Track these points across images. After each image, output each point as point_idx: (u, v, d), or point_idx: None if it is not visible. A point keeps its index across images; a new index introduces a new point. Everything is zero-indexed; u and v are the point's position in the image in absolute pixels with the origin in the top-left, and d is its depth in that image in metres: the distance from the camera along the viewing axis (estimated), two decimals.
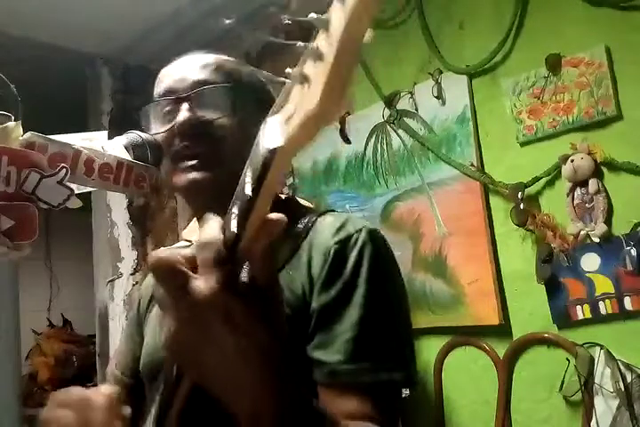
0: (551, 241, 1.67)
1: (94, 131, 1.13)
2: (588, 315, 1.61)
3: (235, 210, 0.46)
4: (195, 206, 0.91)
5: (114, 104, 2.76)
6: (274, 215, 0.46)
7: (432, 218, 1.95)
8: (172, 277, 0.47)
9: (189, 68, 0.87)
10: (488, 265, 1.79)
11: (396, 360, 0.75)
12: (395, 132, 2.08)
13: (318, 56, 0.39)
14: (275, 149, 0.41)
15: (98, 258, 2.75)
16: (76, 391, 0.72)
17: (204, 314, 0.46)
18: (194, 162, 0.82)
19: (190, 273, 0.47)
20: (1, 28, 2.35)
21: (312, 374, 0.72)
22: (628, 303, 1.55)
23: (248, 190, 0.44)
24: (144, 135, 0.94)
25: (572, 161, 1.63)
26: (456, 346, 1.89)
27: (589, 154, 1.61)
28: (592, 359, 1.56)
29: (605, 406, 1.52)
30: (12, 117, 0.95)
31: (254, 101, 0.86)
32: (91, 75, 2.82)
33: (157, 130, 0.88)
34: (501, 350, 1.77)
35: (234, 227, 0.46)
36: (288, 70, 0.43)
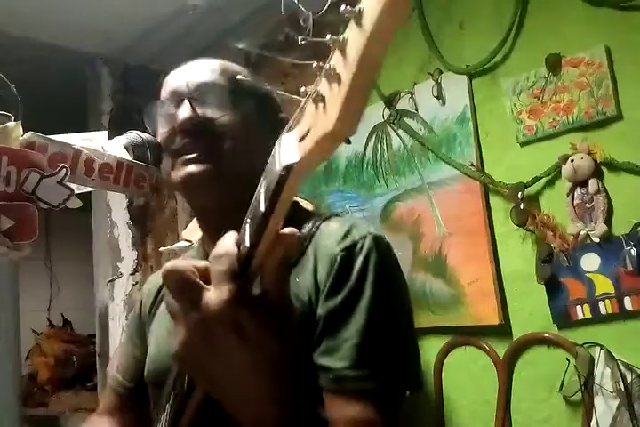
0: (551, 241, 1.67)
1: (94, 131, 1.13)
2: (588, 315, 1.61)
3: (249, 224, 0.47)
4: (193, 203, 0.91)
5: (114, 104, 2.76)
6: (287, 230, 0.47)
7: (432, 218, 1.95)
8: (185, 289, 0.48)
9: (195, 71, 0.88)
10: (488, 265, 1.79)
11: (402, 366, 0.75)
12: (395, 132, 2.08)
13: (334, 77, 0.39)
14: (291, 166, 0.42)
15: (98, 258, 2.75)
16: None
17: (215, 327, 0.46)
18: (192, 155, 0.83)
19: (203, 285, 0.48)
20: (1, 28, 2.35)
21: (318, 379, 0.73)
22: (627, 303, 1.55)
23: (262, 207, 0.45)
24: (144, 135, 0.94)
25: (572, 161, 1.63)
26: (456, 346, 1.89)
27: (589, 154, 1.61)
28: (592, 359, 1.56)
29: (605, 406, 1.52)
30: (12, 117, 0.95)
31: (256, 103, 0.87)
32: (91, 75, 2.82)
33: (160, 130, 0.88)
34: (501, 350, 1.77)
35: (248, 241, 0.46)
36: (302, 88, 0.44)
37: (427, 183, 1.97)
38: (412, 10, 2.05)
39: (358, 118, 0.39)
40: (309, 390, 0.60)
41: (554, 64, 1.69)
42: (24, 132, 0.93)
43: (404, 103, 2.04)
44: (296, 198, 0.96)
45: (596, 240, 1.60)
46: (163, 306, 0.93)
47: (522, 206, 1.72)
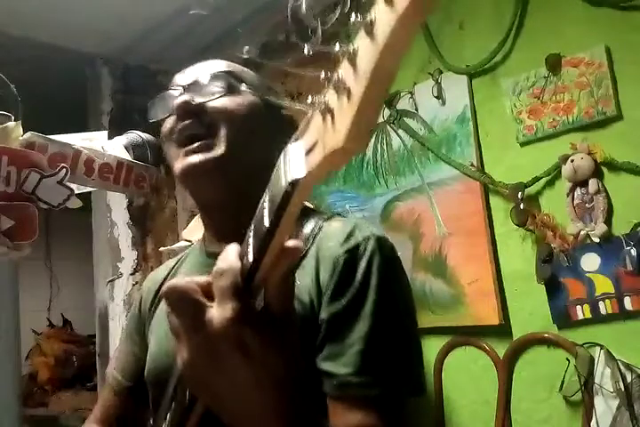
0: (551, 241, 1.67)
1: (94, 131, 1.13)
2: (588, 315, 1.61)
3: (252, 238, 0.46)
4: (196, 196, 0.90)
5: (114, 104, 2.76)
6: (292, 243, 0.46)
7: (432, 218, 1.95)
8: (186, 307, 0.47)
9: (198, 68, 0.89)
10: (488, 265, 1.79)
11: (406, 371, 0.75)
12: (395, 132, 2.08)
13: (343, 89, 0.37)
14: (297, 181, 0.41)
15: (98, 258, 2.74)
16: None
17: (219, 345, 0.46)
18: (194, 145, 0.82)
19: (205, 302, 0.47)
20: (1, 28, 2.34)
21: (321, 385, 0.72)
22: (627, 303, 1.55)
23: (267, 221, 0.43)
24: (144, 135, 0.95)
25: (572, 161, 1.62)
26: (456, 346, 1.88)
27: (589, 154, 1.61)
28: (592, 359, 1.56)
29: (605, 406, 1.52)
30: (12, 117, 0.95)
31: (259, 96, 0.87)
32: (91, 75, 2.82)
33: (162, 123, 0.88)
34: (501, 350, 1.77)
35: (252, 256, 0.45)
36: (309, 99, 0.42)
37: (427, 183, 1.97)
38: None
39: (370, 134, 0.37)
40: (312, 398, 0.60)
41: (554, 64, 1.69)
42: (24, 132, 0.93)
43: (404, 103, 2.04)
44: None
45: (596, 240, 1.60)
46: (163, 304, 0.93)
47: (522, 206, 1.72)
